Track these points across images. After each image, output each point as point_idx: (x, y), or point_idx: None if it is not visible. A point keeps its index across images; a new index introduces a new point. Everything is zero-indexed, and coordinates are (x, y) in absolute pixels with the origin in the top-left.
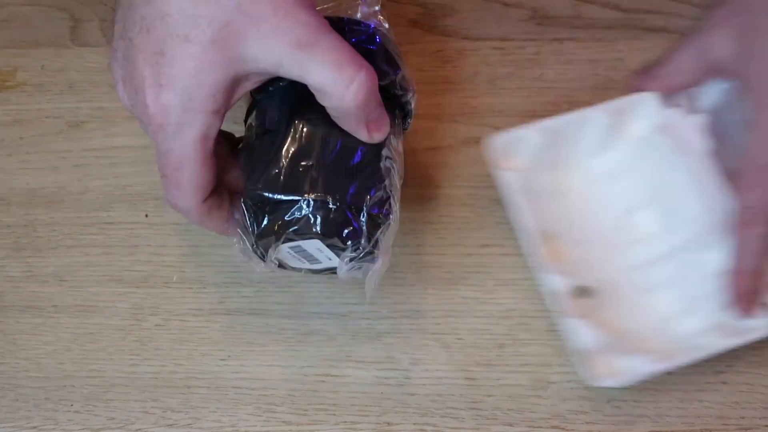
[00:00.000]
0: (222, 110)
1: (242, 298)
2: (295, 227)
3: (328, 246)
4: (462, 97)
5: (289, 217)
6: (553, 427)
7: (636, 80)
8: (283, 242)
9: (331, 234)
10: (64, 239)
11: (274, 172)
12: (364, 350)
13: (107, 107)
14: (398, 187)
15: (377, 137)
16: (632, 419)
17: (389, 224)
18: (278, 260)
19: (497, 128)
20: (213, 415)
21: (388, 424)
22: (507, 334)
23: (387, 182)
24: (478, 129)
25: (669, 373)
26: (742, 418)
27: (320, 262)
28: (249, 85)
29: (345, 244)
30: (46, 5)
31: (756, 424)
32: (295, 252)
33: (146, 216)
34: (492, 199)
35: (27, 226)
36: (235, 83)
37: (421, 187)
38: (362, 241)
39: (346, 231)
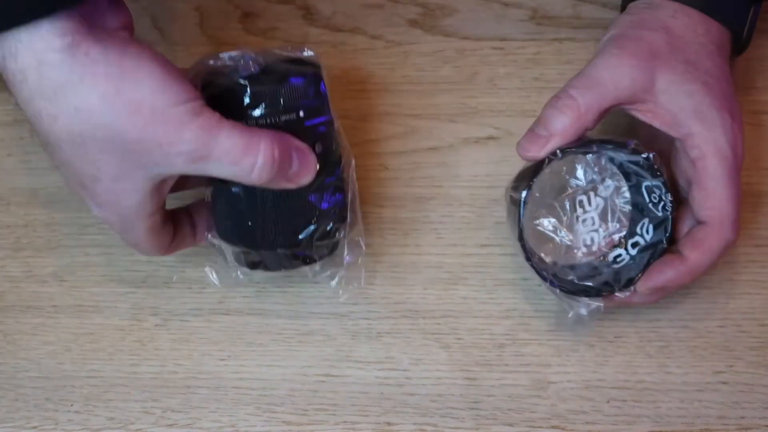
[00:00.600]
0: (156, 207)
1: (242, 298)
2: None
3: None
4: (462, 97)
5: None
6: (553, 427)
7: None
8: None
9: (293, 266)
10: (64, 239)
11: (233, 228)
12: (364, 350)
13: None
14: (351, 178)
15: (305, 181)
16: (632, 419)
17: (340, 236)
18: (254, 262)
19: (497, 128)
20: (213, 415)
21: (388, 424)
22: (507, 334)
23: (322, 207)
24: (478, 129)
25: (669, 373)
26: (742, 418)
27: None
28: (171, 182)
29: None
30: None
31: (756, 424)
32: None
33: None
34: (492, 199)
35: (27, 226)
36: (155, 189)
37: (421, 187)
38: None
39: (307, 260)
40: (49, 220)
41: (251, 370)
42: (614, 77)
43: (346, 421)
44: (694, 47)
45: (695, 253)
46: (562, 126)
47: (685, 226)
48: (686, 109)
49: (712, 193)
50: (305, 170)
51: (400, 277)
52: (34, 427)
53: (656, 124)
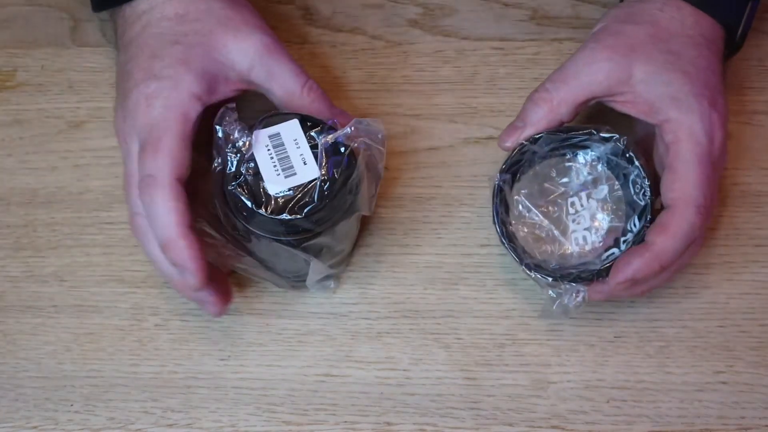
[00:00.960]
0: (202, 98)
1: (242, 298)
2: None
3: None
4: (462, 97)
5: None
6: (553, 427)
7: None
8: (263, 127)
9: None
10: (64, 239)
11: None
12: (364, 350)
13: (107, 107)
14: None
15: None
16: (632, 419)
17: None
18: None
19: (497, 128)
20: (213, 415)
21: (388, 424)
22: (507, 334)
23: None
24: (478, 129)
25: (669, 373)
26: (742, 418)
27: (294, 173)
28: (225, 90)
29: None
30: (46, 5)
31: (756, 424)
32: (274, 146)
33: None
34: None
35: (27, 226)
36: (214, 80)
37: (421, 187)
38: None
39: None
40: (49, 220)
41: (251, 370)
42: (589, 71)
43: (346, 421)
44: (680, 39)
45: (660, 238)
46: (536, 117)
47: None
48: (664, 97)
49: (679, 176)
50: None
51: (400, 277)
52: (34, 427)
53: (633, 113)
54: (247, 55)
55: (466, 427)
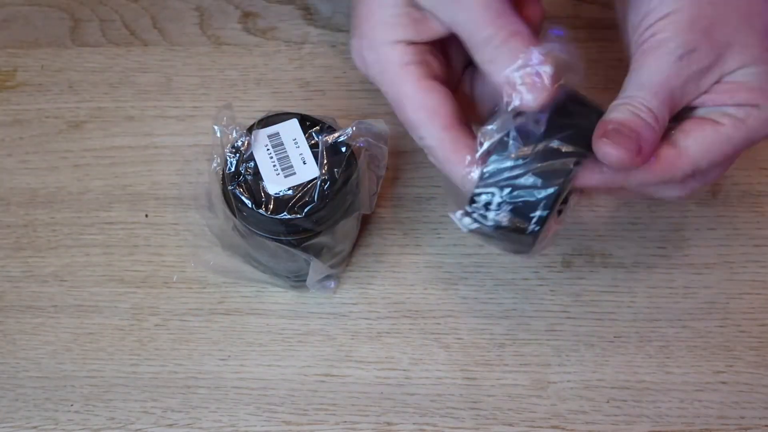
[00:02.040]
0: (410, 40)
1: (242, 298)
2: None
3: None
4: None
5: None
6: (552, 427)
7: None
8: (262, 127)
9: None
10: (64, 239)
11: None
12: (364, 350)
13: (107, 107)
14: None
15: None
16: (632, 419)
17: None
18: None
19: None
20: (213, 415)
21: (388, 424)
22: (507, 334)
23: None
24: (477, 129)
25: (669, 373)
26: (742, 418)
27: (294, 172)
28: (437, 27)
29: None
30: (46, 5)
31: (756, 424)
32: (273, 145)
33: (146, 216)
34: None
35: (27, 226)
36: (415, 15)
37: (421, 187)
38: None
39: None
40: (49, 220)
41: (251, 370)
42: None
43: (346, 421)
44: None
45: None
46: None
47: None
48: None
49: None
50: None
51: (400, 277)
52: (34, 427)
53: None
54: None
55: (466, 427)
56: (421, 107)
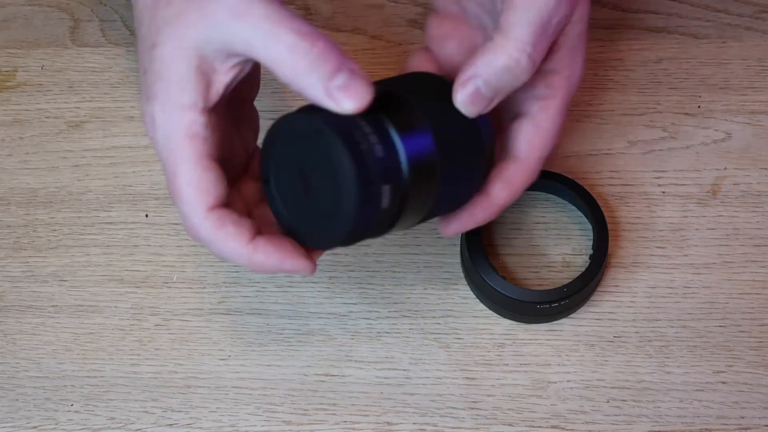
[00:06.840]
0: (200, 105)
1: (242, 298)
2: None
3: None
4: None
5: None
6: (552, 427)
7: None
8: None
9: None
10: (64, 239)
11: None
12: (364, 350)
13: (107, 107)
14: None
15: (347, 105)
16: (632, 419)
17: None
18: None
19: None
20: (213, 415)
21: (388, 424)
22: (507, 334)
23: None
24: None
25: (668, 373)
26: (742, 418)
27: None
28: (223, 78)
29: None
30: (46, 5)
31: (756, 424)
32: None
33: (146, 216)
34: None
35: (27, 226)
36: (203, 74)
37: None
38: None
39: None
40: (49, 220)
41: (251, 370)
42: None
43: (346, 421)
44: None
45: (505, 193)
46: None
47: None
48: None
49: (541, 132)
50: (350, 91)
51: (400, 277)
52: (34, 427)
53: None
54: (242, 29)
55: (465, 427)
56: (192, 184)
